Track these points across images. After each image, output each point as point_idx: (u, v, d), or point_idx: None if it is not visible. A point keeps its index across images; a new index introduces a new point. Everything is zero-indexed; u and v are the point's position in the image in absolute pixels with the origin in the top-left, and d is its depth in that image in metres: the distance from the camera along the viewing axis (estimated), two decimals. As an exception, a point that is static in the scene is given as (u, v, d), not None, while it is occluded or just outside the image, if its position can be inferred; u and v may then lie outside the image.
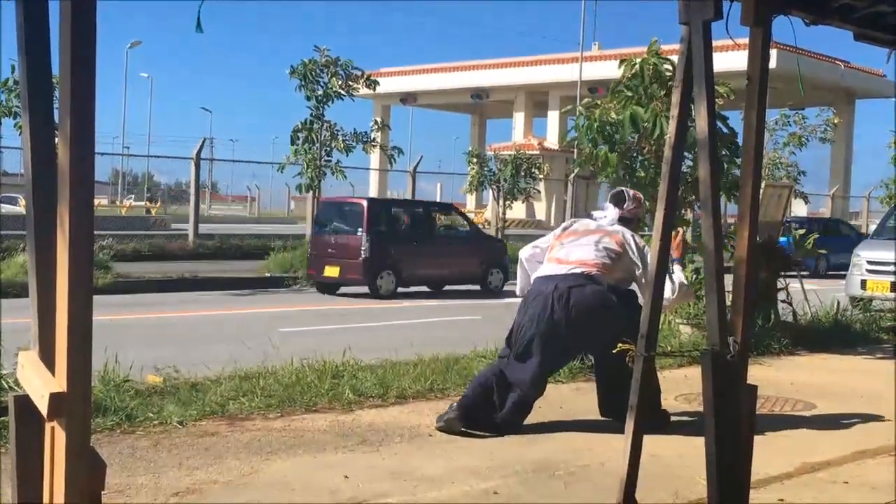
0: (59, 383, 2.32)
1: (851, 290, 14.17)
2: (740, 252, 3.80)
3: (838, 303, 11.97)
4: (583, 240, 6.28)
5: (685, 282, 6.24)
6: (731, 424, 3.64)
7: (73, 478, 2.32)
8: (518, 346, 6.08)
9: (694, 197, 9.41)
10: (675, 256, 6.25)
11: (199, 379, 6.82)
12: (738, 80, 5.40)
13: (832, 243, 21.99)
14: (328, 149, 19.75)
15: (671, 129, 3.90)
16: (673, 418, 6.40)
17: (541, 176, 30.00)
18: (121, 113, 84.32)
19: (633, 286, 6.21)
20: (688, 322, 9.74)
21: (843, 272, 16.04)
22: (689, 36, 3.71)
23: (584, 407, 6.67)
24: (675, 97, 3.87)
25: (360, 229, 16.27)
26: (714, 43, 3.69)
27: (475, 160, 29.15)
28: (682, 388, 7.54)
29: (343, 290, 16.77)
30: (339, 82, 19.43)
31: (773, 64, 5.83)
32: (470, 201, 45.24)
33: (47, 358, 2.40)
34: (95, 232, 2.75)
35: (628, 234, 6.28)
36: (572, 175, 31.81)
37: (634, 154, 9.69)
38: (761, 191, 9.18)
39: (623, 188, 6.85)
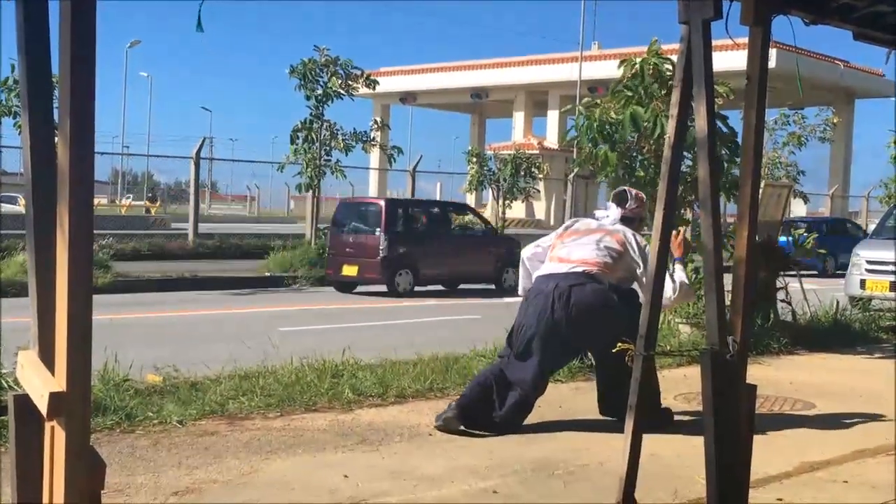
0: (59, 383, 2.32)
1: (851, 289, 14.17)
2: (739, 251, 3.81)
3: (837, 302, 11.98)
4: (584, 239, 6.29)
5: (686, 281, 6.25)
6: (731, 424, 3.64)
7: (73, 477, 2.32)
8: (518, 345, 6.09)
9: (693, 196, 9.42)
10: (677, 256, 6.26)
11: (199, 378, 6.82)
12: (738, 80, 5.40)
13: (840, 243, 22.04)
14: (328, 148, 19.77)
15: (670, 128, 3.90)
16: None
17: (540, 175, 30.04)
18: (120, 112, 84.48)
19: (635, 285, 6.21)
20: (687, 321, 9.75)
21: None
22: (689, 35, 3.71)
23: (584, 406, 6.68)
24: (675, 96, 3.87)
25: (378, 229, 16.56)
26: (714, 42, 3.70)
27: (475, 160, 29.18)
28: (681, 387, 7.54)
29: (360, 288, 16.97)
30: (339, 82, 19.44)
31: (772, 63, 5.83)
32: (470, 201, 45.17)
33: (47, 357, 2.40)
34: (95, 231, 2.76)
35: (630, 233, 6.29)
36: (572, 175, 31.81)
37: (634, 154, 9.69)
38: (761, 190, 9.18)
39: (626, 188, 6.86)
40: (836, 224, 27.05)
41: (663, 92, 8.98)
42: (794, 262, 11.35)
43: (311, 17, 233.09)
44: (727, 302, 3.80)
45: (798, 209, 31.99)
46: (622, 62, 9.72)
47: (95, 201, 3.24)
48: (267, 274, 17.93)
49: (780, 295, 10.71)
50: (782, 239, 11.64)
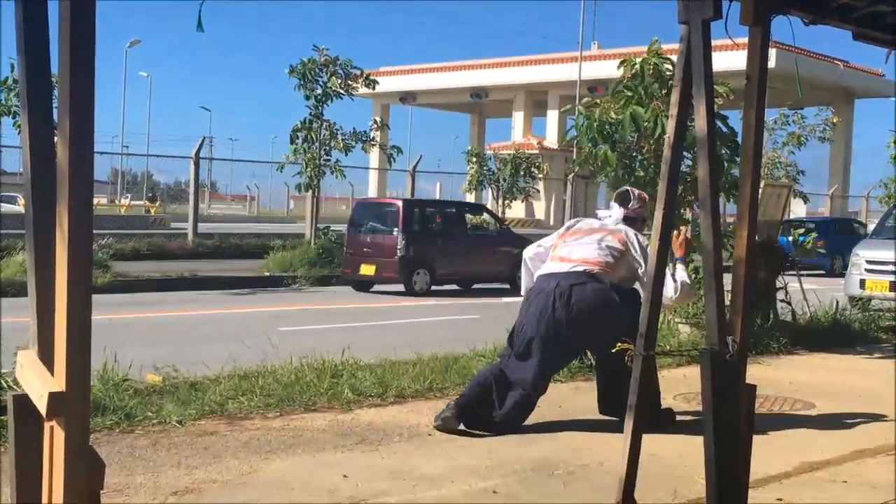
0: (58, 382, 2.32)
1: (850, 289, 14.17)
2: (739, 251, 3.80)
3: (837, 302, 11.98)
4: (586, 238, 6.29)
5: (688, 281, 6.24)
6: (730, 424, 3.64)
7: (72, 477, 2.32)
8: (519, 344, 6.08)
9: (693, 196, 9.42)
10: (679, 255, 6.26)
11: (199, 378, 6.82)
12: (738, 80, 5.40)
13: (849, 242, 22.10)
14: (327, 148, 19.77)
15: (670, 128, 3.90)
16: (672, 418, 6.41)
17: (540, 175, 30.05)
18: (120, 112, 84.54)
19: (637, 285, 6.21)
20: (687, 321, 9.75)
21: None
22: (689, 35, 3.71)
23: (583, 406, 6.68)
24: (674, 96, 3.87)
25: (395, 229, 16.81)
26: (713, 42, 3.70)
27: (474, 159, 29.21)
28: (680, 387, 7.54)
29: (376, 287, 17.16)
30: (339, 81, 19.44)
31: (772, 63, 5.83)
32: (469, 200, 45.22)
33: (46, 357, 2.40)
34: (94, 231, 2.76)
35: (631, 232, 6.29)
36: (571, 175, 31.82)
37: (634, 153, 9.69)
38: (760, 190, 9.18)
39: (628, 188, 6.86)
40: (843, 224, 27.13)
41: (664, 92, 8.98)
42: (794, 262, 11.35)
43: (311, 17, 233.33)
44: (727, 302, 3.80)
45: (798, 209, 31.98)
46: (622, 62, 9.72)
47: (95, 201, 3.23)
48: (266, 274, 17.93)
49: (780, 295, 10.71)
50: (783, 238, 11.64)
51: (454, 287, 17.73)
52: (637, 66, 9.40)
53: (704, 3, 3.63)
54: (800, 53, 32.03)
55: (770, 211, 11.04)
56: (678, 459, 5.41)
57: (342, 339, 8.62)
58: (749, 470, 3.85)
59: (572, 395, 7.15)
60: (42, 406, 2.32)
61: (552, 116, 45.81)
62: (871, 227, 20.03)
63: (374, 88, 20.75)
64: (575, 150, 20.17)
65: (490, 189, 30.05)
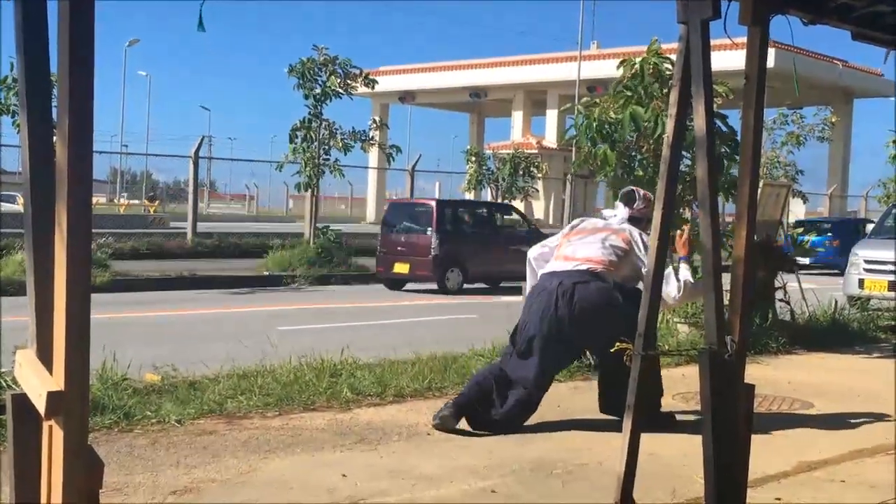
0: (57, 382, 2.32)
1: (849, 289, 14.17)
2: (738, 251, 3.81)
3: (836, 302, 11.98)
4: (590, 238, 6.30)
5: (691, 280, 6.24)
6: (729, 423, 3.65)
7: (71, 476, 2.32)
8: (521, 343, 6.08)
9: (692, 196, 9.42)
10: (682, 255, 6.27)
11: (198, 377, 6.82)
12: (737, 80, 5.40)
13: None
14: (326, 147, 19.75)
15: (669, 127, 3.90)
16: (671, 417, 6.40)
17: (539, 175, 30.03)
18: (119, 111, 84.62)
19: (640, 284, 6.21)
20: (686, 321, 9.75)
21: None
22: (688, 35, 3.71)
23: (583, 406, 6.68)
24: (673, 96, 3.87)
25: (429, 228, 17.32)
26: (712, 42, 3.70)
27: (474, 159, 29.19)
28: (679, 386, 7.54)
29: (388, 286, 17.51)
30: (338, 81, 19.42)
31: (771, 63, 5.82)
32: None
33: (45, 356, 2.40)
34: (93, 230, 2.75)
35: (636, 232, 6.29)
36: (570, 174, 31.82)
37: (633, 153, 9.70)
38: (759, 190, 9.18)
39: (634, 188, 6.87)
40: (858, 224, 27.27)
41: (664, 91, 8.98)
42: (794, 262, 11.35)
43: (311, 17, 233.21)
44: (726, 301, 3.80)
45: (797, 209, 31.98)
46: (622, 62, 9.72)
47: (94, 200, 3.23)
48: (265, 273, 17.92)
49: (779, 294, 10.71)
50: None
51: (482, 285, 18.06)
52: (637, 66, 9.41)
53: (703, 3, 3.63)
54: (799, 53, 32.04)
55: (769, 211, 11.05)
56: (677, 459, 5.41)
57: (341, 339, 8.62)
58: (747, 469, 3.86)
59: (571, 395, 7.15)
60: (41, 405, 2.32)
61: (551, 116, 45.77)
62: (869, 227, 20.06)
63: (373, 88, 20.74)
64: (574, 149, 20.18)
65: (489, 188, 30.03)
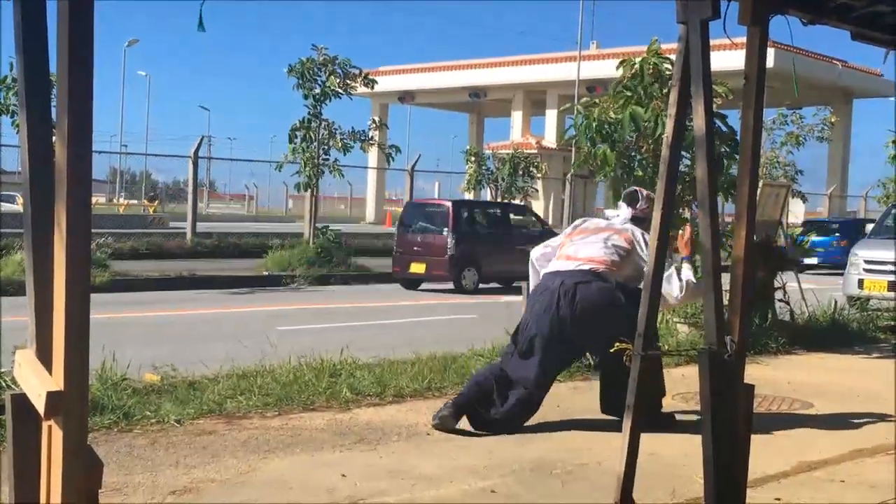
0: (57, 382, 2.32)
1: (849, 289, 14.17)
2: (737, 251, 3.81)
3: (835, 302, 11.98)
4: (592, 237, 6.31)
5: (693, 280, 6.24)
6: (729, 423, 3.65)
7: (70, 476, 2.32)
8: (523, 343, 6.07)
9: (692, 196, 9.42)
10: (685, 255, 6.26)
11: (197, 377, 6.82)
12: (736, 80, 5.40)
13: None
14: (326, 147, 19.74)
15: (668, 127, 3.90)
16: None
17: (538, 175, 30.01)
18: (118, 111, 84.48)
19: (643, 285, 6.21)
20: (685, 321, 9.75)
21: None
22: (687, 35, 3.71)
23: (582, 406, 6.68)
24: (673, 96, 3.87)
25: (445, 229, 17.57)
26: (712, 42, 3.70)
27: (473, 159, 29.17)
28: (679, 387, 7.54)
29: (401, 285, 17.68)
30: (337, 81, 19.41)
31: (770, 63, 5.82)
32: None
33: (44, 356, 2.39)
34: (93, 230, 2.75)
35: (638, 232, 6.29)
36: (570, 174, 31.82)
37: (633, 153, 9.70)
38: (759, 190, 9.18)
39: (637, 188, 6.87)
40: (867, 224, 27.33)
41: (664, 91, 8.98)
42: (794, 262, 11.35)
43: (311, 17, 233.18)
44: (725, 301, 3.80)
45: (796, 209, 31.99)
46: (622, 62, 9.72)
47: (93, 200, 3.23)
48: (265, 273, 17.92)
49: (779, 294, 10.71)
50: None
51: (496, 285, 18.17)
52: (637, 66, 9.41)
53: (703, 3, 3.63)
54: (798, 53, 32.03)
55: (768, 211, 11.04)
56: (677, 459, 5.41)
57: (340, 339, 8.62)
58: (747, 469, 3.86)
59: (571, 395, 7.15)
60: (40, 405, 2.32)
61: (551, 116, 45.78)
62: (868, 227, 20.04)
63: (372, 88, 20.73)
64: (573, 149, 20.20)
65: (489, 188, 30.00)
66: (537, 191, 32.22)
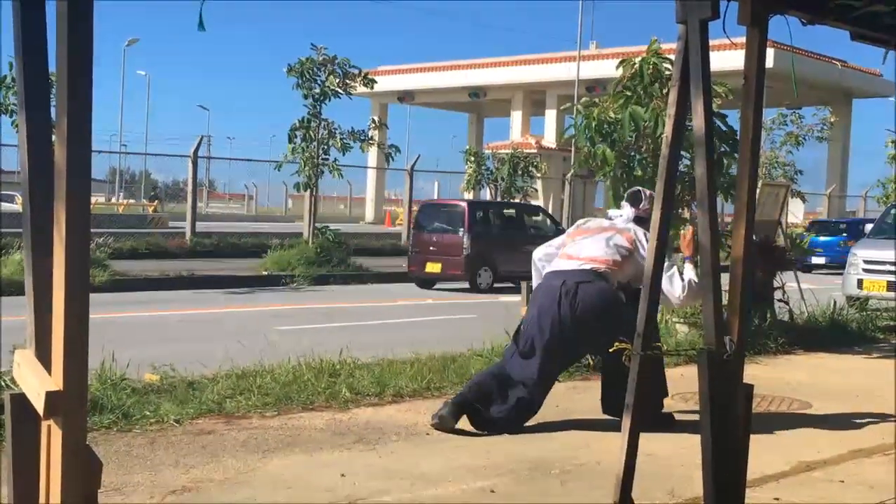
0: (56, 382, 2.32)
1: (848, 289, 14.16)
2: (737, 251, 3.81)
3: (835, 302, 11.98)
4: (594, 237, 6.32)
5: (696, 280, 6.22)
6: (728, 423, 3.65)
7: (70, 476, 2.32)
8: (524, 342, 6.08)
9: (691, 195, 9.43)
10: (687, 255, 6.26)
11: (196, 377, 6.82)
12: (736, 80, 5.40)
13: None
14: (325, 147, 19.73)
15: (668, 127, 3.91)
16: (669, 417, 6.40)
17: (538, 174, 30.00)
18: (118, 111, 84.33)
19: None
20: (684, 321, 9.75)
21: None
22: (687, 35, 3.71)
23: (581, 406, 6.68)
24: (672, 96, 3.87)
25: (461, 229, 17.86)
26: (711, 42, 3.70)
27: (473, 159, 29.16)
28: (678, 387, 7.53)
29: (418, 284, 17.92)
30: (337, 80, 19.41)
31: (769, 63, 5.82)
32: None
33: (44, 356, 2.39)
34: (92, 230, 2.75)
35: (640, 232, 6.29)
36: (569, 174, 31.82)
37: (632, 153, 9.70)
38: (758, 190, 9.19)
39: (640, 188, 6.88)
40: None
41: (664, 91, 8.98)
42: (795, 263, 11.36)
43: (311, 18, 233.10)
44: (724, 301, 3.80)
45: (796, 209, 31.98)
46: (621, 62, 9.73)
47: (93, 200, 3.24)
48: (265, 273, 17.91)
49: (778, 294, 10.71)
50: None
51: (509, 284, 18.14)
52: (636, 66, 9.41)
53: (702, 3, 3.63)
54: (798, 53, 32.05)
55: (768, 211, 11.05)
56: (675, 459, 5.42)
57: (340, 339, 8.62)
58: (746, 469, 3.86)
59: (570, 395, 7.15)
60: (39, 405, 2.32)
61: (550, 116, 45.77)
62: (868, 227, 20.04)
63: (372, 87, 20.72)
64: (573, 149, 20.22)
65: (488, 188, 29.99)
66: (537, 191, 32.22)
